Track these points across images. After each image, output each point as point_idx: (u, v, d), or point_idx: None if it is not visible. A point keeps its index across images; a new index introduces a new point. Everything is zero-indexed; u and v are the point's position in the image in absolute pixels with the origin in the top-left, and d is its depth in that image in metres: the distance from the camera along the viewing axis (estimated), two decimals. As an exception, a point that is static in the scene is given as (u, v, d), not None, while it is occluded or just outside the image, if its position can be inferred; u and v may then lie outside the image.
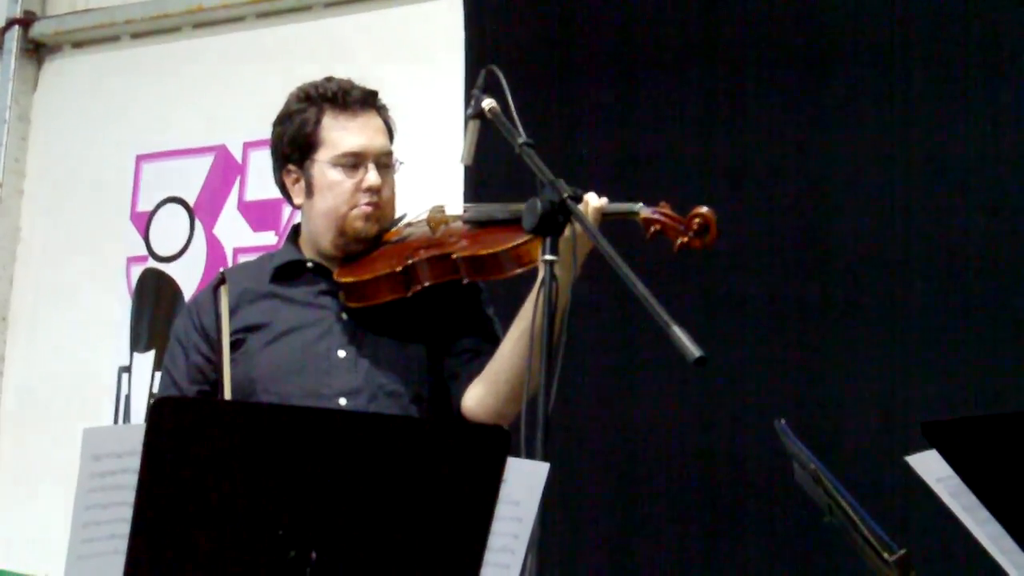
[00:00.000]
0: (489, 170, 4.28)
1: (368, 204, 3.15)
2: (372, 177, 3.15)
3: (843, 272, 4.28)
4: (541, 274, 2.72)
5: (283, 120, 3.23)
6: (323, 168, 3.16)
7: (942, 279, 4.12)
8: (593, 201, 2.90)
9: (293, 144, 3.19)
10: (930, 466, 2.20)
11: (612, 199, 2.92)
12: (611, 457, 4.50)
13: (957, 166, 4.16)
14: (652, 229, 2.88)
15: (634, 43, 4.69)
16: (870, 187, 4.27)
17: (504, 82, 2.92)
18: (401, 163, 3.23)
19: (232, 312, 3.17)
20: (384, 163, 3.18)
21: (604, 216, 2.91)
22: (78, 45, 5.95)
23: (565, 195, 2.73)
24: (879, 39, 4.32)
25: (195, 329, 3.19)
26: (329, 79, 3.24)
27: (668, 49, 4.62)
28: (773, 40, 4.47)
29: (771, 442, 3.97)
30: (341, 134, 3.16)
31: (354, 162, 3.15)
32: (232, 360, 3.13)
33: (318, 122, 3.17)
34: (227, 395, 3.07)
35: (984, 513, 2.20)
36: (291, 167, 3.21)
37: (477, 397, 3.09)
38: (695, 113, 4.55)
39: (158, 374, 5.13)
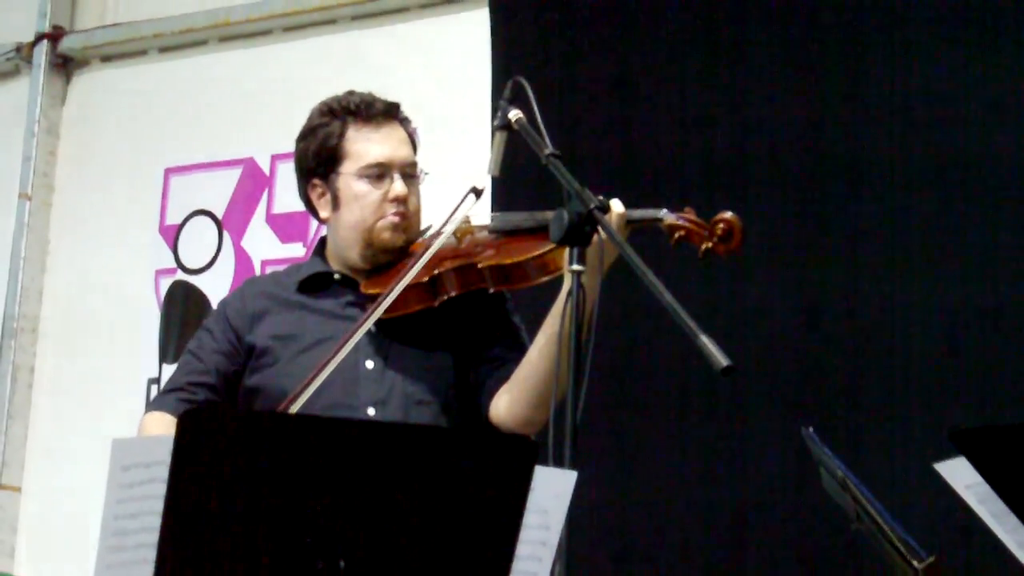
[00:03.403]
0: (516, 180, 4.27)
1: (395, 214, 3.16)
2: (398, 187, 3.16)
3: (848, 272, 4.25)
4: (568, 284, 2.72)
5: (306, 135, 3.24)
6: (349, 180, 3.17)
7: (967, 281, 4.10)
8: (617, 208, 2.91)
9: (318, 158, 3.20)
10: (958, 473, 2.20)
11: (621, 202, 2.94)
12: (623, 463, 4.47)
13: (961, 164, 4.15)
14: (676, 235, 2.89)
15: (635, 40, 4.69)
16: (878, 180, 4.25)
17: (531, 93, 2.93)
18: (426, 174, 3.23)
19: (261, 317, 3.19)
20: (409, 173, 3.19)
21: (628, 223, 2.92)
22: (106, 59, 5.96)
23: (592, 206, 2.73)
24: (879, 30, 4.31)
25: (226, 320, 3.21)
26: (351, 93, 3.25)
27: (668, 47, 4.62)
28: (773, 35, 4.45)
29: (789, 451, 4.00)
30: (366, 145, 3.17)
31: (379, 173, 3.16)
32: (261, 368, 3.15)
33: (342, 135, 3.19)
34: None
35: (1013, 520, 2.20)
36: (316, 181, 3.22)
37: (505, 405, 3.09)
38: (695, 111, 4.54)
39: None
